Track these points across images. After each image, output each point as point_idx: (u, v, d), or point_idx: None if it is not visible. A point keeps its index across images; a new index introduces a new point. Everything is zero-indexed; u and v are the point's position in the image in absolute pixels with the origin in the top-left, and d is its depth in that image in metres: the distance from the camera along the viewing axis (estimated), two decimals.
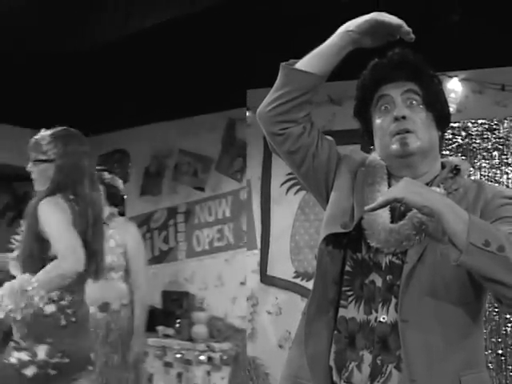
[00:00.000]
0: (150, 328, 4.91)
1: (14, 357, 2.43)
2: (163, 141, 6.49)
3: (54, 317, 2.49)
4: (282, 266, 5.24)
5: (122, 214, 4.41)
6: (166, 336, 5.61)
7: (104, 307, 3.84)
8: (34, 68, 5.29)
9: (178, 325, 5.64)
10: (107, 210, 3.90)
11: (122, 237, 3.97)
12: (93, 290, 3.03)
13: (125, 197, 4.49)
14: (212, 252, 6.17)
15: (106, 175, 4.04)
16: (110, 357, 3.82)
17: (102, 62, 5.44)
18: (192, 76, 5.52)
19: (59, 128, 2.82)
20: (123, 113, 6.19)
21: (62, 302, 2.53)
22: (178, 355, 5.36)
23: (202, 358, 5.27)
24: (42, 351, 2.43)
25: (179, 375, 5.37)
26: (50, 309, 2.49)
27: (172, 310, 5.94)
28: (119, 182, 4.16)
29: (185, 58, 5.33)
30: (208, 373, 5.26)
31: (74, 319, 2.56)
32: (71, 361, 2.48)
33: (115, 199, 4.12)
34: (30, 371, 2.39)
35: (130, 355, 3.89)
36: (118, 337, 3.86)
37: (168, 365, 5.44)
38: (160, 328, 5.66)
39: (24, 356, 2.42)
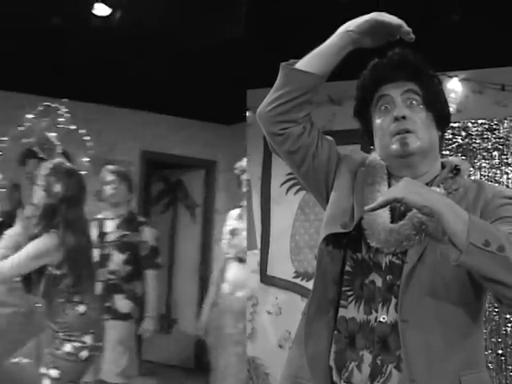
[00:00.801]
0: None
1: (67, 346, 2.92)
2: None
3: (87, 314, 3.01)
4: (282, 266, 5.24)
5: None
6: None
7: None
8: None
9: None
10: None
11: None
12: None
13: None
14: None
15: None
16: None
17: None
18: None
19: None
20: None
21: (88, 301, 3.04)
22: None
23: None
24: (89, 339, 2.98)
25: None
26: (83, 308, 3.01)
27: None
28: None
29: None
30: None
31: (98, 312, 3.11)
32: (103, 343, 3.12)
33: None
34: (84, 354, 2.95)
35: None
36: None
37: None
38: None
39: (76, 344, 2.93)
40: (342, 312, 1.76)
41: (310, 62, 1.80)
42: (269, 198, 5.40)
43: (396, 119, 1.73)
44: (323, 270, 1.78)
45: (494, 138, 4.66)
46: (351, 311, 1.74)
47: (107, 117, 6.91)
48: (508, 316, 4.31)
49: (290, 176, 5.12)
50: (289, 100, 1.79)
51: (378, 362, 1.67)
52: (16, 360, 3.14)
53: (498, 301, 1.54)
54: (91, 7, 4.34)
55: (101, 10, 4.35)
